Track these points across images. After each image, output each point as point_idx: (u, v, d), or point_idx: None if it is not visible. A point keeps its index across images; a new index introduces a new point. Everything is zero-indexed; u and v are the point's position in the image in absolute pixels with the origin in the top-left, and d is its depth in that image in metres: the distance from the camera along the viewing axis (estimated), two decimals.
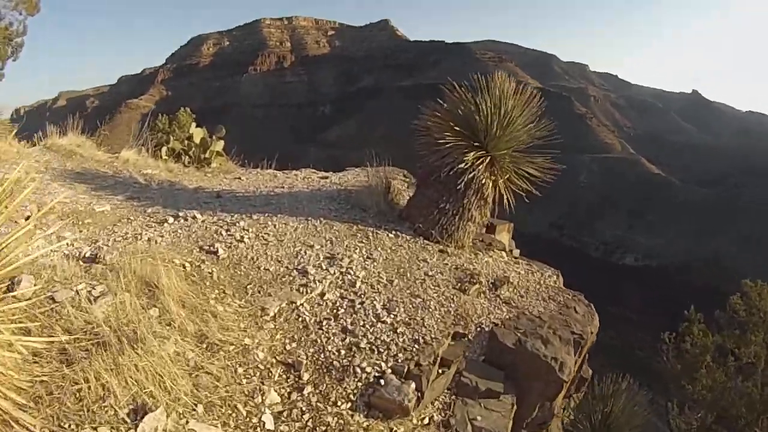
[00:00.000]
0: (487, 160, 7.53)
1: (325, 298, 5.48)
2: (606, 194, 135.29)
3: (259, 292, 5.42)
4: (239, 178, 11.08)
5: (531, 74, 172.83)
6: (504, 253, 8.00)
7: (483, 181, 7.56)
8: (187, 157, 12.29)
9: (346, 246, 6.83)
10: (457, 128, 7.57)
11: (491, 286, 6.38)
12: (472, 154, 7.38)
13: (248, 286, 5.49)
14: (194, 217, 7.25)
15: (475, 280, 6.30)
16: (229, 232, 6.81)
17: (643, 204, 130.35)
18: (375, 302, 5.43)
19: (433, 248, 7.36)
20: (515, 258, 8.03)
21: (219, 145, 12.69)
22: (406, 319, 5.20)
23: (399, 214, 8.22)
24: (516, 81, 8.00)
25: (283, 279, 5.76)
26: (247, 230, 6.93)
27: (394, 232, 7.61)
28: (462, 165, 7.36)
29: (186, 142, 12.57)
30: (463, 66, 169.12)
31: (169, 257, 5.57)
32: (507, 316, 5.69)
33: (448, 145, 7.43)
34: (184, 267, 5.55)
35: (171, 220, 7.13)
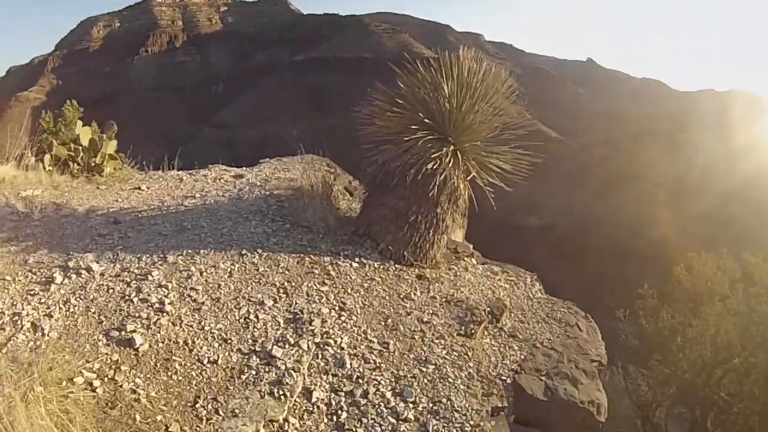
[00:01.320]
0: (455, 155, 6.23)
1: (313, 399, 3.93)
2: None
3: (217, 411, 3.70)
4: (139, 188, 9.15)
5: (426, 45, 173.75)
6: (473, 260, 7.01)
7: (455, 182, 6.26)
8: (75, 164, 10.12)
9: (307, 293, 5.26)
10: (416, 116, 6.15)
11: (491, 317, 5.45)
12: (441, 149, 6.02)
13: (197, 404, 3.76)
14: (90, 270, 5.46)
15: (476, 317, 5.33)
16: (141, 296, 5.03)
17: (543, 167, 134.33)
18: (381, 387, 4.13)
19: (409, 275, 6.03)
20: (485, 263, 7.06)
21: (111, 147, 10.55)
22: (430, 405, 4.05)
23: (355, 231, 6.65)
24: (481, 59, 6.63)
25: (243, 376, 4.07)
26: (166, 287, 5.17)
27: (357, 258, 6.13)
28: (431, 165, 5.95)
29: (72, 145, 10.37)
30: (358, 38, 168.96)
31: (66, 373, 3.72)
32: (521, 356, 4.96)
33: (408, 139, 6.01)
34: (92, 387, 3.77)
35: (59, 278, 5.31)
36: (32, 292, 5.06)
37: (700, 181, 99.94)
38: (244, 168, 10.15)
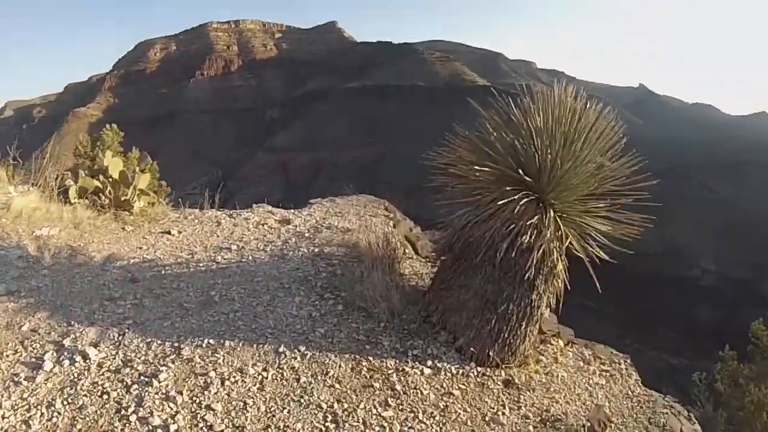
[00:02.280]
0: (556, 222, 4.72)
1: None
2: None
3: None
4: (169, 233, 7.95)
5: (478, 72, 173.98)
6: (560, 341, 5.66)
7: (555, 258, 4.78)
8: (104, 198, 8.99)
9: (364, 422, 3.87)
10: (506, 169, 4.75)
11: None
12: (538, 213, 4.62)
13: None
14: (86, 358, 4.27)
15: None
16: (142, 413, 3.76)
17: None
18: None
19: (495, 382, 4.64)
20: (571, 342, 5.79)
21: (144, 181, 9.40)
22: None
23: (426, 317, 5.18)
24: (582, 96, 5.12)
25: None
26: (175, 401, 3.87)
27: (429, 361, 4.68)
28: (527, 237, 4.50)
29: (101, 177, 9.26)
30: (411, 66, 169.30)
31: None
32: None
33: (502, 202, 4.58)
34: None
35: (49, 363, 4.19)
36: (17, 379, 4.01)
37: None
38: (291, 211, 8.92)
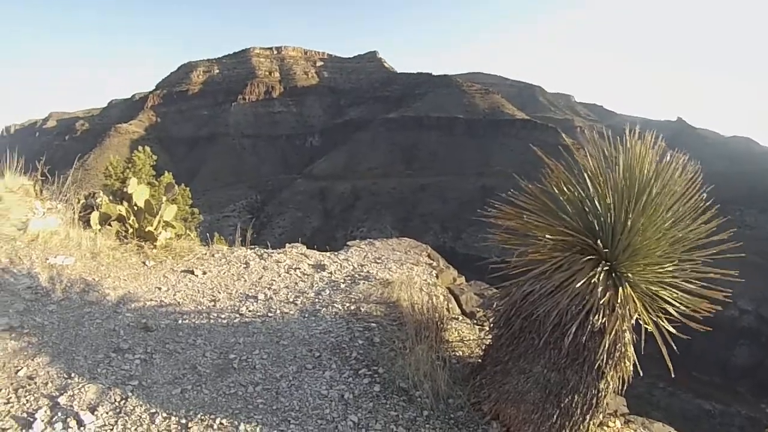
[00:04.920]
0: (630, 296, 3.92)
1: None
2: None
3: None
4: (192, 272, 7.37)
5: (517, 106, 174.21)
6: (618, 422, 4.90)
7: (626, 340, 4.05)
8: (127, 226, 8.47)
9: None
10: (574, 233, 4.03)
11: None
12: (610, 288, 3.85)
13: None
14: (80, 423, 3.75)
15: None
16: None
17: None
18: None
19: None
20: (630, 422, 5.04)
21: (170, 212, 8.90)
22: None
23: (476, 404, 4.39)
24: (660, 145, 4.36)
25: None
26: None
27: None
28: (599, 318, 3.78)
29: (126, 204, 8.76)
30: (450, 98, 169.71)
31: None
32: None
33: (562, 269, 3.91)
34: None
35: (39, 424, 3.71)
36: None
37: None
38: (327, 254, 8.34)
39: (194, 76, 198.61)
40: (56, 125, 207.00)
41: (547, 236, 3.99)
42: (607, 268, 3.88)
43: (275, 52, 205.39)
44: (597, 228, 4.00)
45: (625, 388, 4.25)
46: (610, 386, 4.10)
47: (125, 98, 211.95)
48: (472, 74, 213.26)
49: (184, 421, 3.83)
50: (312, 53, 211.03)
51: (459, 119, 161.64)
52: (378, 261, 7.71)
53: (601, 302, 3.74)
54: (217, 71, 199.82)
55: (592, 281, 3.75)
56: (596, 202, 4.05)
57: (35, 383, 4.21)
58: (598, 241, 3.90)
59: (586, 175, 4.14)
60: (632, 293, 3.92)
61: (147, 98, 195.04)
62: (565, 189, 4.21)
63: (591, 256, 3.90)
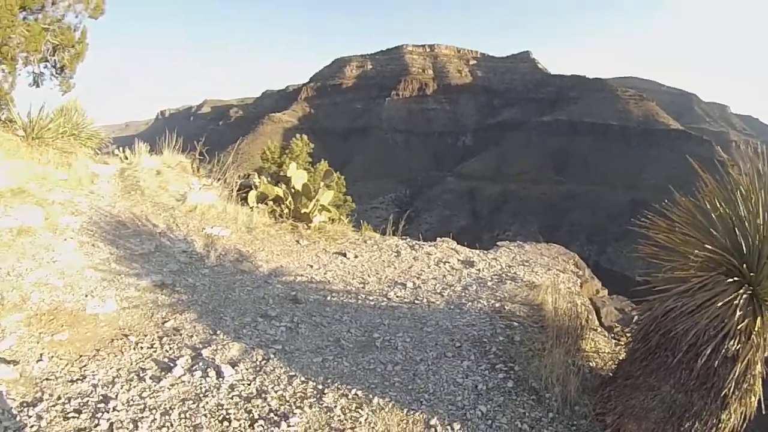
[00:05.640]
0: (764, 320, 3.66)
1: None
2: None
3: None
4: (344, 255, 7.69)
5: (671, 114, 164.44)
6: None
7: (757, 370, 3.76)
8: (283, 207, 8.97)
9: None
10: (719, 250, 3.81)
11: None
12: (749, 313, 3.61)
13: None
14: (220, 375, 4.00)
15: None
16: None
17: None
18: None
19: None
20: None
21: (327, 197, 9.32)
22: None
23: (599, 415, 4.25)
24: None
25: None
26: None
27: None
28: (734, 343, 3.57)
29: (284, 186, 9.28)
30: (604, 103, 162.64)
31: None
32: None
33: (705, 288, 3.72)
34: None
35: (180, 370, 4.00)
36: (143, 375, 3.93)
37: None
38: (476, 251, 8.39)
39: (348, 71, 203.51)
40: (211, 111, 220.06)
41: (696, 252, 3.78)
42: (749, 292, 3.64)
43: (428, 50, 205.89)
44: (744, 250, 3.75)
45: (744, 425, 3.96)
46: (732, 419, 3.82)
47: (278, 89, 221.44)
48: (625, 78, 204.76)
49: (320, 387, 4.01)
50: (465, 51, 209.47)
51: (612, 126, 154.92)
52: (526, 264, 7.63)
53: (738, 327, 3.52)
54: (371, 66, 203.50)
55: (733, 304, 3.54)
56: (746, 223, 3.80)
57: (180, 335, 4.58)
58: (744, 264, 3.67)
59: (738, 192, 3.89)
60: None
61: (300, 90, 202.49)
62: (717, 205, 3.97)
63: (735, 278, 3.67)
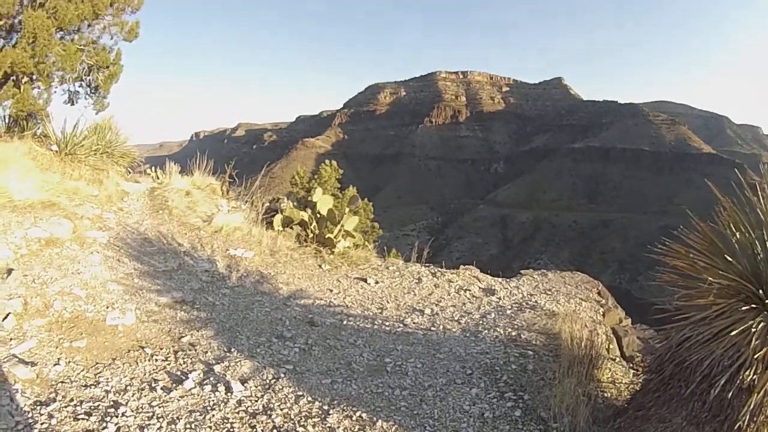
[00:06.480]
0: None
1: None
2: None
3: None
4: (365, 281, 7.73)
5: (703, 138, 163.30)
6: None
7: None
8: (308, 231, 9.09)
9: None
10: (736, 277, 3.71)
11: None
12: (764, 345, 3.42)
13: None
14: (229, 389, 4.08)
15: None
16: None
17: None
18: None
19: None
20: None
21: (351, 222, 9.40)
22: None
23: None
24: None
25: None
26: None
27: None
28: (750, 374, 3.40)
29: (309, 212, 9.41)
30: (636, 128, 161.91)
31: None
32: None
33: (722, 317, 3.61)
34: None
35: (191, 383, 4.07)
36: (154, 385, 4.01)
37: None
38: (499, 279, 8.38)
39: (381, 97, 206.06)
40: (244, 134, 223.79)
41: (710, 279, 3.71)
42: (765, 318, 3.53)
43: (461, 77, 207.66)
44: (764, 275, 3.67)
45: None
46: None
47: (312, 114, 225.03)
48: (658, 103, 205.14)
49: (326, 407, 4.03)
50: (497, 78, 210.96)
51: (644, 152, 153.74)
52: (548, 292, 7.59)
53: (755, 357, 3.40)
54: (404, 93, 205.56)
55: (750, 332, 3.45)
56: (766, 247, 3.72)
57: (195, 350, 4.66)
58: (761, 290, 3.56)
59: (758, 216, 3.82)
60: None
61: (334, 115, 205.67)
62: (736, 230, 3.91)
63: (753, 305, 3.58)
